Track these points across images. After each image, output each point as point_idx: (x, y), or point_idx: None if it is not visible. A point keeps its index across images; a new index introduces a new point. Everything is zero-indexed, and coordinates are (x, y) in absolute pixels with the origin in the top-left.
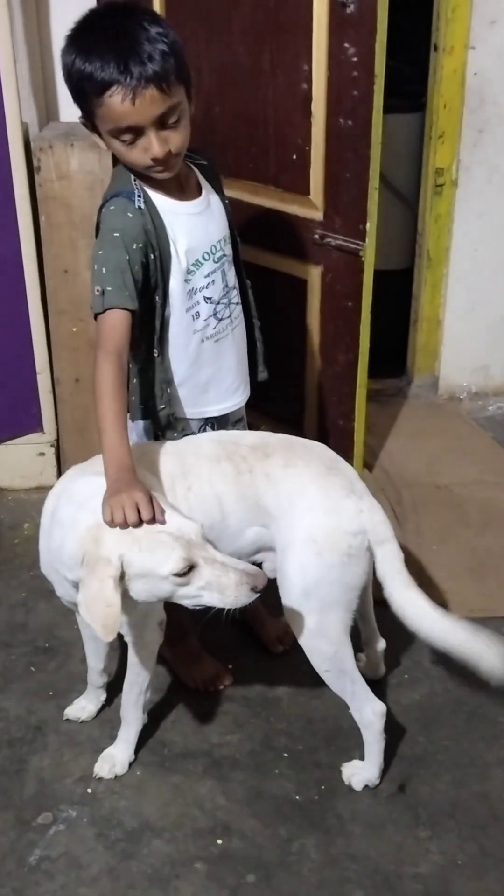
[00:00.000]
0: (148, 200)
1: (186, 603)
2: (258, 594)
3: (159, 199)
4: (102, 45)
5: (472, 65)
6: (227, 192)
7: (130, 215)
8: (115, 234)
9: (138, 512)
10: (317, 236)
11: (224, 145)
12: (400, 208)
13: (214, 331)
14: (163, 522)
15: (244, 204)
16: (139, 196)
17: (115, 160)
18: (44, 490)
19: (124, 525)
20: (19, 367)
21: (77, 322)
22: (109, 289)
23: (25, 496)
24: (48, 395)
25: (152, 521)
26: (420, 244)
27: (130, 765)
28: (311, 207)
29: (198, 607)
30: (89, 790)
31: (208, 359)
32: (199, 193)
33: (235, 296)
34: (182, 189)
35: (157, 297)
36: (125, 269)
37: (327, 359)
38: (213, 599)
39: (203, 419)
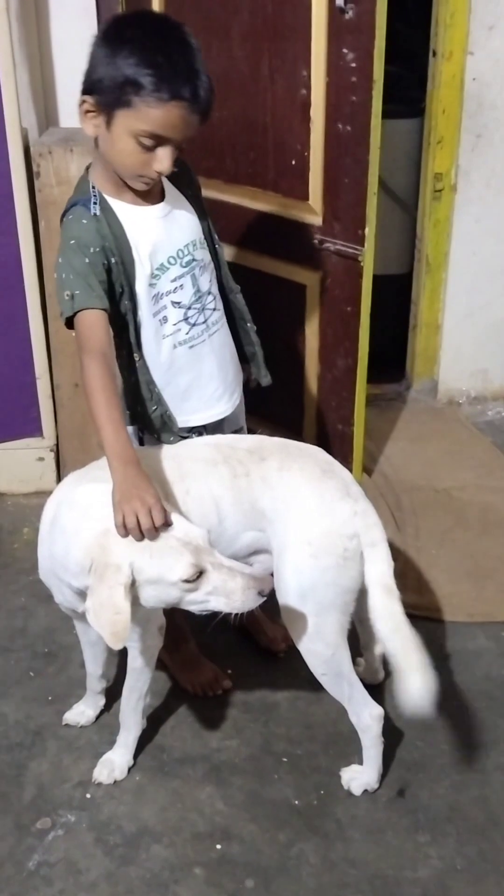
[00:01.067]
0: (105, 206)
1: (193, 608)
2: (264, 598)
3: (118, 205)
4: (177, 58)
5: (471, 70)
6: (227, 198)
7: (85, 222)
8: (72, 242)
9: (151, 517)
10: (316, 241)
11: (223, 150)
12: (399, 213)
13: (187, 336)
14: (170, 523)
15: (243, 209)
16: (95, 203)
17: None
18: (43, 495)
19: (138, 533)
20: (19, 372)
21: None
22: (78, 292)
23: (25, 501)
24: (48, 399)
25: (164, 525)
26: (419, 249)
27: (129, 770)
28: (310, 212)
29: (204, 612)
30: (88, 795)
31: (184, 365)
32: (162, 199)
33: (211, 301)
34: (143, 194)
35: (126, 301)
36: (87, 272)
37: (326, 364)
38: (219, 604)
39: (188, 428)
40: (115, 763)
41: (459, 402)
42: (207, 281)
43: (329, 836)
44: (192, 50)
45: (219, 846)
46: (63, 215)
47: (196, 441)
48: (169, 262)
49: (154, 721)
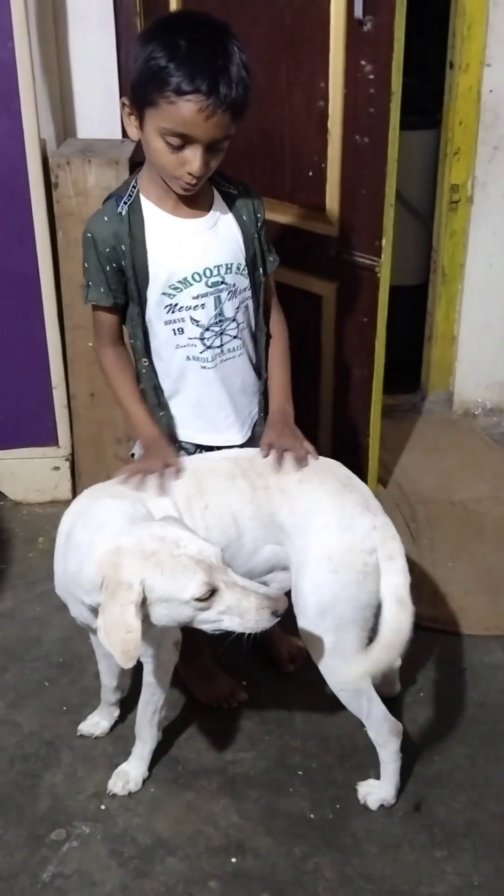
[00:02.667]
0: (135, 207)
1: (206, 627)
2: (278, 618)
3: (151, 210)
4: (197, 53)
5: (488, 82)
6: None
7: (106, 219)
8: (88, 235)
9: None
10: (332, 252)
11: (240, 161)
12: (415, 224)
13: (200, 355)
14: (163, 493)
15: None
16: (125, 203)
17: (134, 167)
18: (58, 504)
19: (138, 481)
20: (35, 382)
21: (93, 337)
22: (90, 284)
23: (40, 510)
24: (63, 409)
25: (161, 487)
26: (435, 260)
27: (144, 781)
28: (326, 224)
29: (217, 632)
30: (103, 806)
31: (194, 381)
32: (206, 213)
33: (233, 329)
34: (185, 206)
35: (134, 306)
36: (98, 267)
37: (342, 374)
38: (233, 624)
39: (194, 445)
40: (130, 774)
41: (475, 414)
42: (234, 308)
43: (345, 851)
44: (221, 46)
45: (234, 859)
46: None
47: (214, 455)
48: (193, 279)
49: (169, 733)
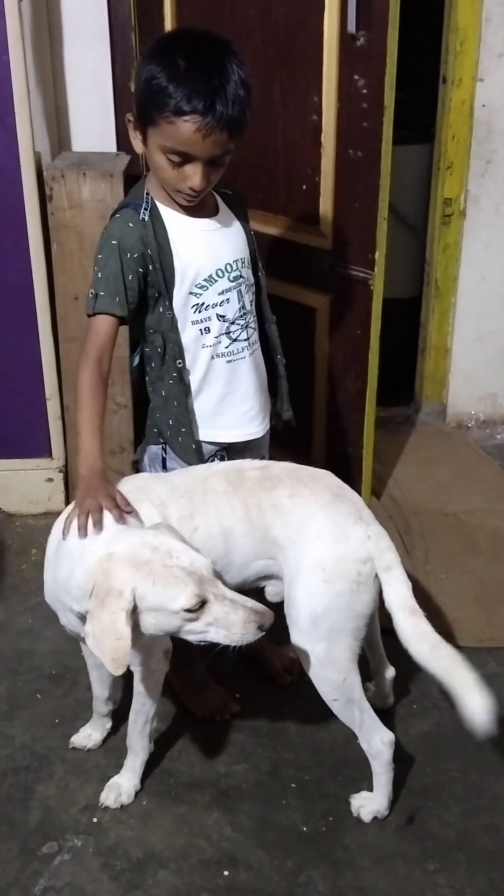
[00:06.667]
0: (155, 213)
1: (192, 638)
2: (264, 633)
3: (169, 214)
4: (195, 74)
5: (480, 97)
6: None
7: (131, 225)
8: (113, 242)
9: (101, 515)
10: (326, 265)
11: (234, 175)
12: (408, 238)
13: (227, 350)
14: (123, 522)
15: (254, 233)
16: (145, 209)
17: (128, 180)
18: (52, 516)
19: (85, 526)
20: (29, 393)
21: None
22: (102, 293)
23: (33, 522)
24: (57, 420)
25: (119, 517)
26: (428, 273)
27: (136, 794)
28: (320, 237)
29: (202, 643)
30: (95, 819)
31: (219, 377)
32: (215, 214)
33: (253, 321)
34: (196, 207)
35: (162, 309)
36: (118, 275)
37: (336, 387)
38: (219, 636)
39: (216, 444)
40: (122, 787)
41: (468, 426)
42: (250, 301)
43: (338, 864)
44: (219, 65)
45: (226, 873)
46: (113, 214)
47: (207, 472)
48: (217, 275)
49: (161, 745)
